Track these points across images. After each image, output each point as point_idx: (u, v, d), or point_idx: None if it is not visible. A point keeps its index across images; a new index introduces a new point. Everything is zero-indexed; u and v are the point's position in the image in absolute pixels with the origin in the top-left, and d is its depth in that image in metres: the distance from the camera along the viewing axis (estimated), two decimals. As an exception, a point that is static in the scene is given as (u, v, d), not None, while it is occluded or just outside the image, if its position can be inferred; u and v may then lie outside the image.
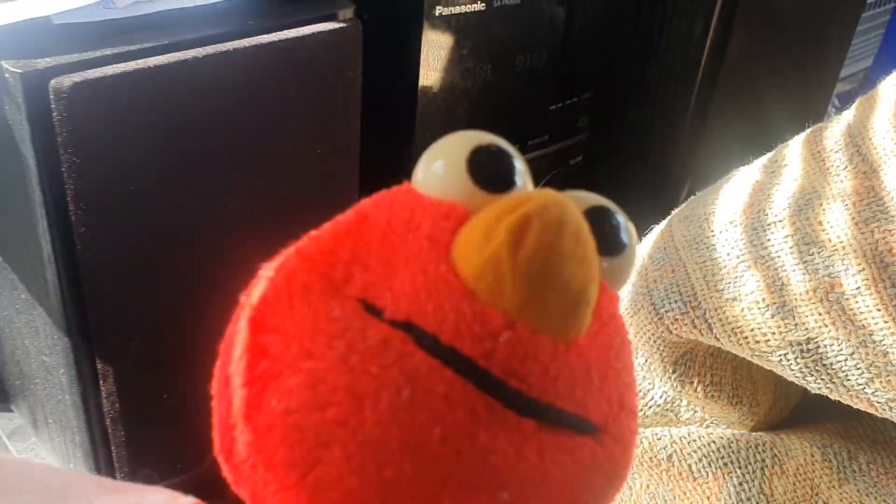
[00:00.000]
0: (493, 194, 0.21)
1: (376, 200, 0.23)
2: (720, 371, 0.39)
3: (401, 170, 0.50)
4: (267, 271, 0.22)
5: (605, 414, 0.21)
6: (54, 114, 0.33)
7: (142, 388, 0.42)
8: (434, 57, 0.47)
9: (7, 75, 0.33)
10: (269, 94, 0.39)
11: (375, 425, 0.19)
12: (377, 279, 0.21)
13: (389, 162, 0.49)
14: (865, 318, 0.33)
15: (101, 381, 0.40)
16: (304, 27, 0.40)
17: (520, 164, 0.22)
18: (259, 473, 0.21)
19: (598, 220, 0.22)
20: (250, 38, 0.38)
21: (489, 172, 0.22)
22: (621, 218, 0.23)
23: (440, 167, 0.23)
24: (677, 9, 0.56)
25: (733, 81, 0.57)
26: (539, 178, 0.58)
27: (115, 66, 0.34)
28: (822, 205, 0.34)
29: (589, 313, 0.21)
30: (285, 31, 0.39)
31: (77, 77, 0.33)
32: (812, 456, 0.39)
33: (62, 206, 0.36)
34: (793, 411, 0.44)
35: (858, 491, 0.38)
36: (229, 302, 0.44)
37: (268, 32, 0.39)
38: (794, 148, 0.37)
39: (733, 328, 0.36)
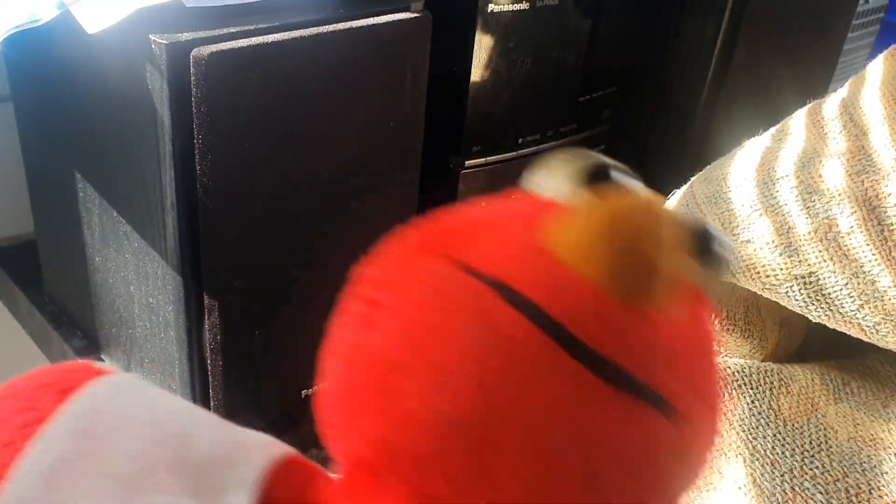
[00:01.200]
0: (594, 191, 0.24)
1: (494, 197, 0.27)
2: (734, 307, 0.46)
3: (451, 141, 0.57)
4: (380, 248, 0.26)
5: (683, 399, 0.23)
6: (192, 78, 0.40)
7: (241, 323, 0.48)
8: (485, 48, 0.54)
9: (154, 46, 0.40)
10: (355, 71, 0.46)
11: (456, 361, 0.21)
12: (472, 246, 0.23)
13: (444, 135, 0.57)
14: (857, 253, 0.40)
15: (206, 315, 0.47)
16: (384, 16, 0.47)
17: (631, 180, 0.25)
18: (348, 408, 0.23)
19: (704, 239, 0.25)
20: (342, 24, 0.45)
21: (589, 177, 0.25)
22: (721, 236, 0.25)
23: (553, 179, 0.25)
24: (692, 12, 0.64)
25: (741, 76, 0.65)
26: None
27: (242, 40, 0.41)
28: (821, 162, 0.42)
29: (669, 292, 0.23)
30: (370, 19, 0.46)
31: (214, 48, 0.40)
32: (812, 380, 0.46)
33: (189, 159, 0.43)
34: (797, 351, 0.51)
35: (850, 408, 0.45)
36: (320, 252, 0.52)
37: (355, 19, 0.46)
38: (798, 119, 0.45)
39: (747, 265, 0.43)
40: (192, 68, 0.40)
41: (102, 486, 0.23)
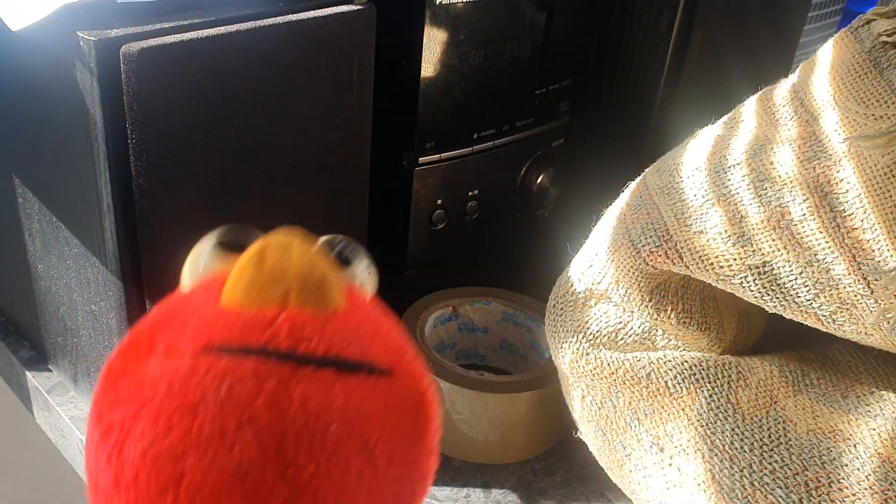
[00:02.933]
0: (238, 254, 0.29)
1: (157, 305, 0.30)
2: (690, 300, 0.45)
3: (404, 138, 0.56)
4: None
5: (390, 360, 0.28)
6: (123, 76, 0.39)
7: (184, 328, 0.47)
8: (435, 41, 0.53)
9: (82, 43, 0.39)
10: (296, 66, 0.45)
11: (212, 421, 0.24)
12: (174, 335, 0.27)
13: (395, 131, 0.55)
14: (810, 241, 0.39)
15: (148, 322, 0.46)
16: (326, 8, 0.46)
17: (252, 234, 0.30)
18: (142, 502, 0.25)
19: (331, 245, 0.30)
20: (282, 17, 0.44)
21: (233, 244, 0.30)
22: (343, 243, 0.31)
23: (197, 258, 0.30)
24: (645, 5, 0.63)
25: (697, 68, 0.64)
26: (526, 158, 0.64)
27: (175, 35, 0.40)
28: (772, 148, 0.41)
29: (337, 291, 0.28)
30: (311, 12, 0.45)
31: (145, 44, 0.39)
32: (771, 372, 0.45)
33: (124, 159, 0.41)
34: (756, 345, 0.50)
35: (810, 400, 0.44)
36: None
37: (296, 13, 0.45)
38: (749, 105, 0.44)
39: (700, 256, 0.42)
40: (122, 65, 0.39)
41: None
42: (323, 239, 0.31)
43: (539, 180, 0.65)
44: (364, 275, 0.32)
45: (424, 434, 0.28)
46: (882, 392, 0.44)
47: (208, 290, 0.29)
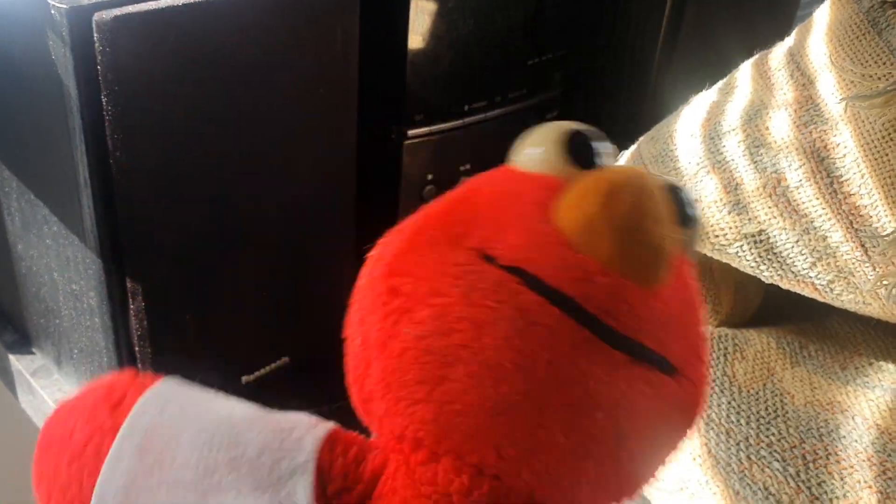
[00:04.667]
0: (585, 168, 0.26)
1: (482, 177, 0.28)
2: (685, 271, 0.44)
3: (392, 110, 0.54)
4: (395, 232, 0.27)
5: (683, 358, 0.26)
6: (97, 45, 0.38)
7: (169, 307, 0.46)
8: (422, 10, 0.52)
9: (53, 11, 0.38)
10: (277, 35, 0.44)
11: (493, 349, 0.23)
12: (491, 234, 0.25)
13: (384, 104, 0.54)
14: (807, 207, 0.38)
15: (130, 301, 0.45)
16: (308, -24, 0.44)
17: (605, 143, 0.28)
18: (392, 392, 0.25)
19: (675, 197, 0.27)
20: (262, -16, 0.42)
21: (582, 149, 0.27)
22: (691, 196, 0.28)
23: (540, 149, 0.27)
24: (639, -28, 0.62)
25: (692, 37, 0.63)
26: (519, 131, 0.63)
27: (149, 2, 0.38)
28: (768, 113, 0.40)
29: (667, 266, 0.25)
30: (292, -21, 0.44)
31: (118, 11, 0.37)
32: (768, 344, 0.44)
33: (100, 132, 0.40)
34: (754, 316, 0.49)
35: (808, 371, 0.43)
36: (251, 230, 0.50)
37: (277, -20, 0.43)
38: (745, 70, 0.43)
39: (695, 226, 0.41)
40: (95, 34, 0.38)
41: (174, 493, 0.26)
42: (666, 182, 0.27)
43: (531, 154, 0.64)
44: (695, 238, 0.28)
45: (681, 439, 0.27)
46: (881, 363, 0.43)
47: (540, 194, 0.26)
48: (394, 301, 0.25)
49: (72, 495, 0.27)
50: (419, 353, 0.24)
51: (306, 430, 0.27)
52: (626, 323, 0.24)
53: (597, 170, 0.26)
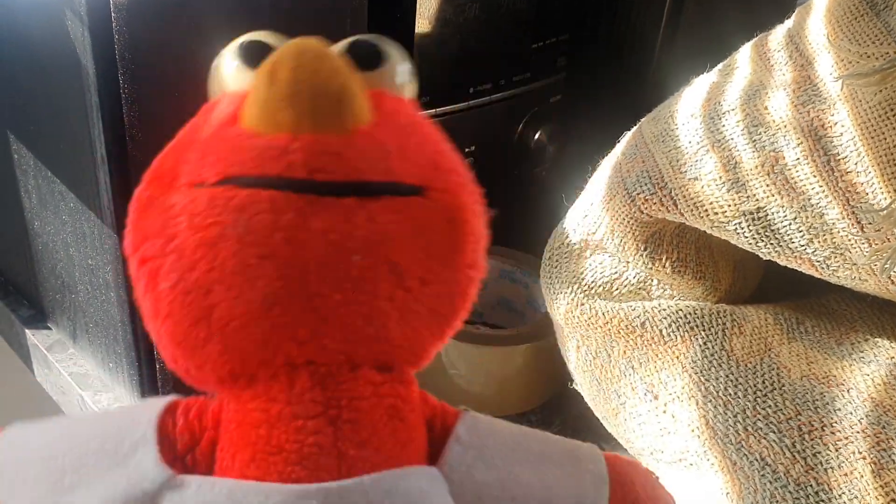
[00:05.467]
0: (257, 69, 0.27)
1: (186, 125, 0.29)
2: (685, 248, 0.45)
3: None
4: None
5: (420, 175, 0.27)
6: (114, 25, 0.39)
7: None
8: (429, -7, 0.53)
9: (72, -9, 0.39)
10: (288, 17, 0.45)
11: (234, 256, 0.25)
12: (195, 164, 0.26)
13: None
14: (804, 185, 0.39)
15: (145, 275, 0.46)
16: (319, -42, 0.45)
17: (278, 39, 0.28)
18: (185, 347, 0.26)
19: (356, 47, 0.28)
20: (274, -33, 0.43)
21: (255, 53, 0.28)
22: (378, 42, 0.29)
23: (217, 67, 0.29)
24: (643, -43, 0.62)
25: (694, 23, 0.64)
26: (523, 114, 0.64)
27: (164, -18, 0.39)
28: (767, 93, 0.40)
29: (357, 106, 0.26)
30: (303, -38, 0.45)
31: (134, -9, 0.38)
32: (766, 320, 0.45)
33: (117, 110, 0.41)
34: (751, 296, 0.50)
35: (804, 346, 0.44)
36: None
37: (288, -38, 0.44)
38: (744, 52, 0.44)
39: (695, 203, 0.42)
40: (113, 14, 0.39)
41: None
42: (346, 41, 0.28)
43: (536, 137, 0.65)
44: (401, 76, 0.29)
45: (461, 249, 0.27)
46: (876, 339, 0.44)
47: (228, 109, 0.27)
48: (143, 269, 0.26)
49: None
50: (180, 298, 0.25)
51: (143, 408, 0.28)
52: (338, 170, 0.25)
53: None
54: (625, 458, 0.31)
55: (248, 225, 0.24)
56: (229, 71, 0.28)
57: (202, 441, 0.27)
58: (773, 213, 0.40)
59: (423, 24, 0.53)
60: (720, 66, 0.45)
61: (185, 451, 0.27)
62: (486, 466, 0.28)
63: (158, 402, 0.28)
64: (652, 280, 0.46)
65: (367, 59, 0.28)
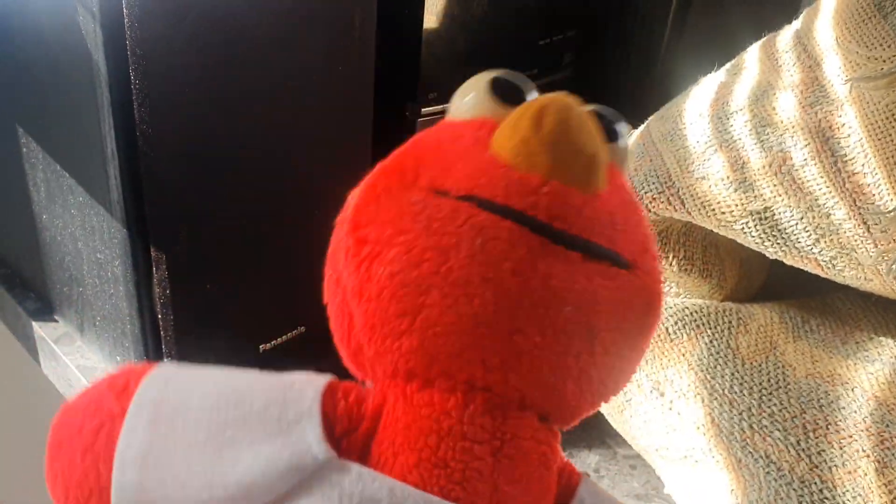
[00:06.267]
0: (513, 106, 0.28)
1: (422, 131, 0.30)
2: (692, 247, 0.46)
3: (407, 88, 0.56)
4: (353, 193, 0.29)
5: (634, 253, 0.28)
6: (126, 20, 0.39)
7: (191, 277, 0.47)
8: (437, -10, 0.53)
9: (84, -13, 0.39)
10: (296, 12, 0.45)
11: (460, 269, 0.25)
12: (439, 173, 0.27)
13: (399, 82, 0.55)
14: (811, 185, 0.40)
15: (153, 270, 0.46)
16: (328, -45, 0.45)
17: (528, 83, 0.30)
18: (377, 332, 0.27)
19: (601, 119, 0.29)
20: (284, -37, 0.44)
21: (507, 90, 0.29)
22: (617, 119, 0.30)
23: (470, 96, 0.30)
24: (650, -46, 0.62)
25: (701, 20, 0.64)
26: (528, 110, 0.64)
27: (176, -21, 0.40)
28: (775, 94, 0.41)
29: (603, 172, 0.27)
30: (313, -42, 0.45)
31: (147, -14, 0.39)
32: (771, 319, 0.45)
33: (128, 106, 0.41)
34: (757, 295, 0.50)
35: (809, 345, 0.45)
36: (270, 202, 0.51)
37: (298, -41, 0.44)
38: (753, 52, 0.44)
39: (702, 202, 0.42)
40: (125, 10, 0.39)
41: (189, 455, 0.27)
42: (593, 107, 0.29)
43: (542, 133, 0.65)
44: (625, 153, 0.30)
45: (649, 331, 0.29)
46: (881, 338, 0.45)
47: (478, 133, 0.28)
48: (363, 250, 0.27)
49: (89, 487, 0.28)
50: (395, 288, 0.26)
51: (306, 382, 0.28)
52: (574, 224, 0.26)
53: (525, 103, 0.28)
54: None
55: (484, 246, 0.25)
56: (483, 98, 0.29)
57: (360, 429, 0.28)
58: (779, 213, 0.41)
59: (430, 19, 0.54)
60: (728, 65, 0.45)
61: (341, 435, 0.28)
62: None
63: (320, 379, 0.28)
64: (658, 278, 0.46)
65: (611, 131, 0.29)
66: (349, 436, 0.28)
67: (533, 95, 0.29)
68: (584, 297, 0.26)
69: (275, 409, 0.27)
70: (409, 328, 0.26)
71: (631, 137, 0.47)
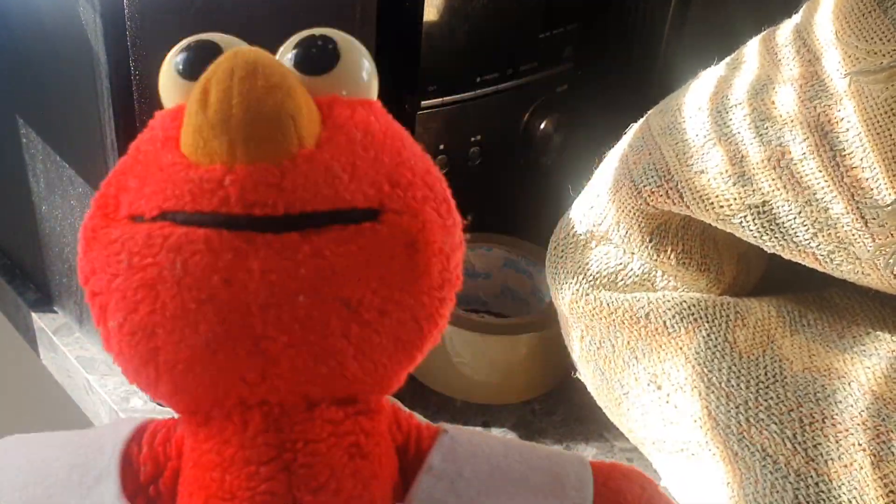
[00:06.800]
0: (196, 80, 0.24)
1: (145, 130, 0.27)
2: (690, 240, 0.46)
3: (406, 80, 0.56)
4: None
5: (375, 197, 0.24)
6: (126, 11, 0.39)
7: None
8: (438, -18, 0.53)
9: (84, -22, 0.39)
10: (300, 4, 0.45)
11: (173, 299, 0.23)
12: (135, 194, 0.24)
13: (398, 74, 0.55)
14: (810, 180, 0.40)
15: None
16: (329, -53, 0.45)
17: (221, 42, 0.26)
18: (140, 384, 0.25)
19: (304, 46, 0.26)
20: (285, -45, 0.44)
21: (189, 64, 0.25)
22: (331, 38, 0.26)
23: (162, 79, 0.26)
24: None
25: (702, 14, 0.64)
26: (529, 103, 0.64)
27: (176, -31, 0.40)
28: (774, 88, 0.41)
29: (294, 130, 0.23)
30: (314, -50, 0.45)
31: (147, -23, 0.39)
32: (769, 313, 0.46)
33: (127, 96, 0.41)
34: (754, 289, 0.50)
35: (806, 339, 0.45)
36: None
37: (298, -50, 0.44)
38: (752, 46, 0.44)
39: (701, 196, 0.42)
40: (125, 0, 0.39)
41: None
42: (294, 39, 0.26)
43: (542, 126, 0.65)
44: (359, 76, 0.26)
45: (425, 273, 0.25)
46: (877, 333, 0.45)
47: (167, 132, 0.25)
48: (95, 303, 0.25)
49: None
50: (126, 338, 0.24)
51: (110, 434, 0.27)
52: (277, 203, 0.23)
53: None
54: (621, 470, 0.30)
55: (185, 267, 0.23)
56: (169, 81, 0.26)
57: (166, 471, 0.27)
58: (778, 207, 0.41)
59: (430, 12, 0.54)
60: (728, 59, 0.45)
61: (148, 482, 0.27)
62: (458, 499, 0.26)
63: (128, 426, 0.28)
64: (656, 271, 0.46)
65: (318, 59, 0.25)
66: (157, 481, 0.27)
67: (216, 57, 0.25)
68: (317, 277, 0.23)
69: (76, 473, 0.26)
70: (157, 374, 0.24)
71: (630, 131, 0.47)
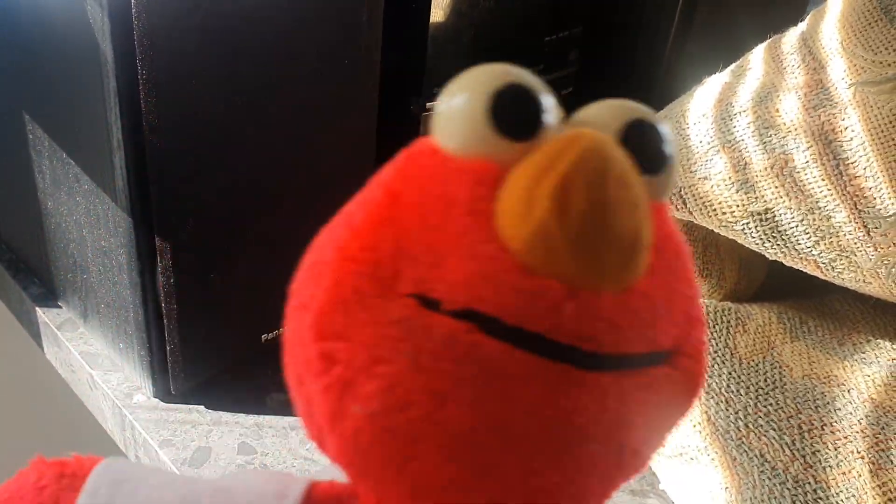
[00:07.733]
0: (523, 142, 0.20)
1: (402, 172, 0.22)
2: (692, 246, 0.46)
3: (412, 82, 0.56)
4: (313, 270, 0.22)
5: (675, 337, 0.21)
6: (133, 10, 0.39)
7: (195, 266, 0.48)
8: (444, -15, 0.53)
9: (93, -23, 0.39)
10: (306, 4, 0.45)
11: (461, 416, 0.20)
12: (426, 269, 0.20)
13: (404, 76, 0.56)
14: (813, 188, 0.40)
15: (158, 258, 0.46)
16: (337, -51, 0.46)
17: (547, 101, 0.21)
18: (355, 470, 0.22)
19: (637, 138, 0.21)
20: (292, -44, 0.44)
21: (513, 120, 0.20)
22: (661, 128, 0.22)
23: (460, 119, 0.21)
24: (658, -49, 0.62)
25: (707, 19, 0.64)
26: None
27: (185, -30, 0.40)
28: (778, 96, 0.41)
29: (645, 256, 0.20)
30: (321, -48, 0.45)
31: (155, -22, 0.39)
32: (770, 319, 0.46)
33: (134, 95, 0.41)
34: (757, 293, 0.50)
35: (807, 346, 0.45)
36: (274, 193, 0.51)
37: (306, -48, 0.45)
38: (757, 54, 0.44)
39: (704, 202, 0.42)
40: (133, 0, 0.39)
41: None
42: (624, 121, 0.21)
43: (546, 129, 0.65)
44: (671, 177, 0.22)
45: (686, 412, 0.23)
46: (878, 340, 0.45)
47: (475, 195, 0.20)
48: (331, 370, 0.21)
49: None
50: (375, 433, 0.20)
51: (296, 483, 0.25)
52: (606, 341, 0.20)
53: (539, 144, 0.20)
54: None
55: (491, 388, 0.20)
56: (474, 128, 0.20)
57: None
58: (780, 215, 0.41)
59: (437, 14, 0.54)
60: (732, 66, 0.45)
61: None
62: None
63: (298, 484, 0.24)
64: (658, 276, 0.47)
65: (654, 157, 0.21)
66: None
67: (551, 118, 0.21)
68: (613, 425, 0.20)
69: None
70: (397, 478, 0.21)
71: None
